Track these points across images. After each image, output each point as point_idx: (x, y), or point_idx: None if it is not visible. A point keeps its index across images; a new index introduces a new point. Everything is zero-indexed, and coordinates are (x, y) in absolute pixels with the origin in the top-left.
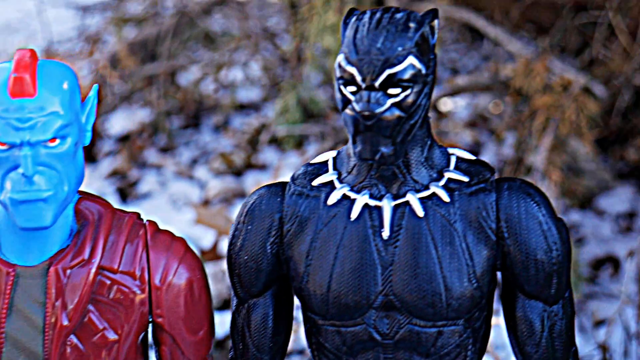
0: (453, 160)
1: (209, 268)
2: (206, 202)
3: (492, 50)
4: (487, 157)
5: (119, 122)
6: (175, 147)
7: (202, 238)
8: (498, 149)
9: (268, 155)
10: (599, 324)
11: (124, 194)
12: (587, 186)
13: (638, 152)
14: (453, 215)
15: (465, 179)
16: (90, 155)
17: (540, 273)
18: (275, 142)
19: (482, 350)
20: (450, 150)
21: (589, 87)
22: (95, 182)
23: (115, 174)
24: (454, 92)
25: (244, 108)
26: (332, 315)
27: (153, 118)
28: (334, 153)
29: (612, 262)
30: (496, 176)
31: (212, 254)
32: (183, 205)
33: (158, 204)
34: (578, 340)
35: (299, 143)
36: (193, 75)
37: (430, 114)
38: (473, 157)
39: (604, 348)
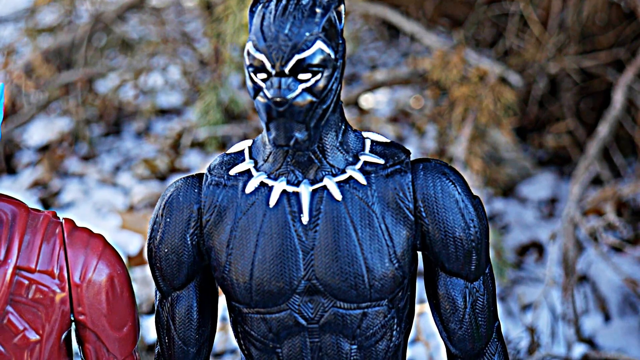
0: (368, 143)
1: (137, 273)
2: (131, 208)
3: (410, 47)
4: (410, 150)
5: (38, 132)
6: (97, 155)
7: (129, 244)
8: (420, 142)
9: (192, 158)
10: (525, 307)
11: (47, 204)
12: (509, 175)
13: (556, 139)
14: (370, 197)
15: (381, 161)
16: (10, 167)
17: (460, 250)
18: (199, 145)
19: (408, 330)
20: (365, 134)
21: (504, 77)
22: (16, 193)
23: (36, 184)
24: (373, 87)
25: (165, 113)
26: (256, 303)
27: (72, 127)
28: (249, 142)
29: (537, 248)
30: (411, 158)
31: (139, 258)
32: (108, 212)
33: (82, 213)
34: (506, 324)
35: (222, 145)
36: (112, 82)
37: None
38: (387, 140)
39: (531, 330)
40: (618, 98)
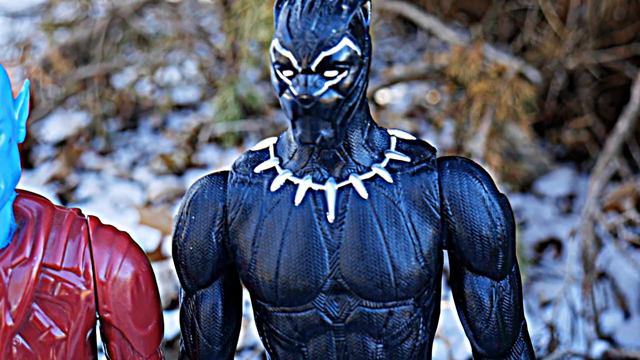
0: (393, 141)
1: (155, 268)
2: (148, 204)
3: (427, 41)
4: (435, 148)
5: (55, 128)
6: (114, 150)
7: (147, 239)
8: (437, 138)
9: (208, 154)
10: (545, 304)
11: (64, 200)
12: (527, 170)
13: (574, 135)
14: (397, 195)
15: (407, 159)
16: (28, 162)
17: (486, 249)
18: (215, 140)
19: (434, 328)
20: (391, 132)
21: (523, 73)
22: (34, 189)
23: (54, 179)
24: (390, 83)
25: (181, 108)
26: (281, 302)
27: (90, 122)
28: (274, 139)
29: (555, 244)
30: (437, 155)
31: (157, 254)
32: (125, 207)
33: (100, 208)
34: (529, 319)
35: (239, 140)
36: (128, 77)
37: (370, 106)
38: (413, 138)
39: (551, 327)
40: (637, 93)
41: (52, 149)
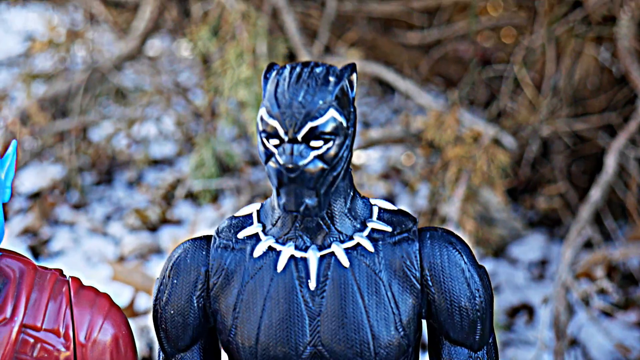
0: (375, 210)
1: None
2: (121, 259)
3: (402, 104)
4: (416, 218)
5: (30, 179)
6: (88, 204)
7: (119, 295)
8: (412, 200)
9: (183, 210)
10: None
11: (36, 252)
12: (500, 235)
13: (547, 201)
14: (378, 264)
15: (389, 228)
16: None
17: (465, 320)
18: (190, 196)
19: None
20: (373, 201)
21: (498, 139)
22: (6, 240)
23: (26, 232)
24: (367, 145)
25: (157, 163)
26: None
27: (65, 174)
28: (258, 205)
29: (527, 310)
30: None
31: (130, 310)
32: (98, 262)
33: (72, 262)
34: None
35: (215, 197)
36: (105, 130)
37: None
38: (395, 208)
39: None
40: (610, 163)
41: (26, 201)
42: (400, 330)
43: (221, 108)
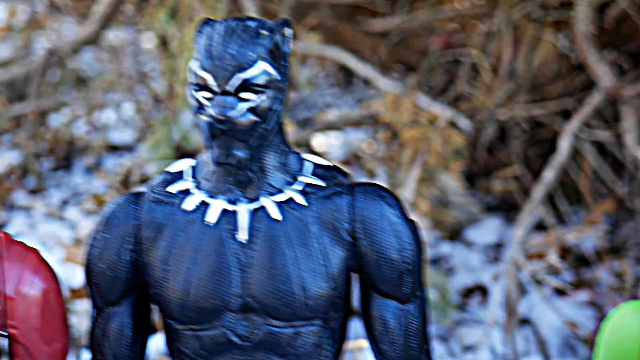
0: (309, 165)
1: (80, 305)
2: (77, 242)
3: (365, 93)
4: (349, 173)
5: None
6: (46, 189)
7: (72, 276)
8: None
9: None
10: (467, 348)
11: None
12: (457, 219)
13: (502, 184)
14: (309, 218)
15: (321, 183)
16: None
17: (394, 272)
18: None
19: (339, 350)
20: (306, 156)
21: (454, 121)
22: None
23: None
24: (325, 128)
25: (117, 149)
26: (190, 320)
27: (22, 160)
28: (192, 161)
29: (481, 291)
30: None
31: (83, 291)
32: (53, 245)
33: None
34: None
35: None
36: (64, 117)
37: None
38: (329, 163)
39: None
40: (564, 145)
41: None
42: (331, 282)
43: (177, 91)
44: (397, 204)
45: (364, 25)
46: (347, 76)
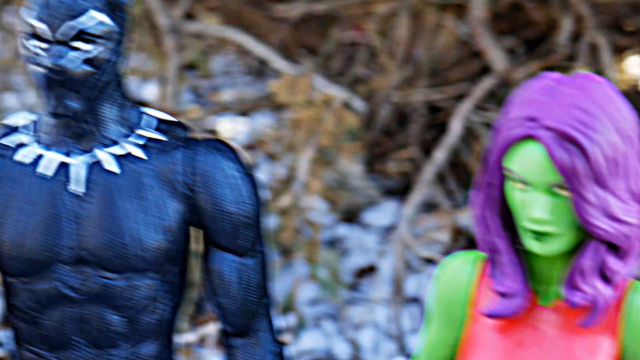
0: (150, 120)
1: None
2: None
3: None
4: (261, 176)
5: None
6: None
7: None
8: (272, 168)
9: None
10: (356, 326)
11: None
12: (356, 202)
13: (397, 166)
14: (146, 171)
15: (160, 137)
16: None
17: (232, 225)
18: None
19: (178, 305)
20: (147, 110)
21: (349, 102)
22: None
23: None
24: (222, 110)
25: None
26: (22, 272)
27: None
28: (29, 114)
29: (374, 271)
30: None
31: None
32: None
33: None
34: (337, 342)
35: None
36: None
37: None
38: (170, 118)
39: (354, 344)
40: (455, 126)
41: None
42: (167, 234)
43: None
44: (237, 158)
45: (269, 10)
46: (260, 65)
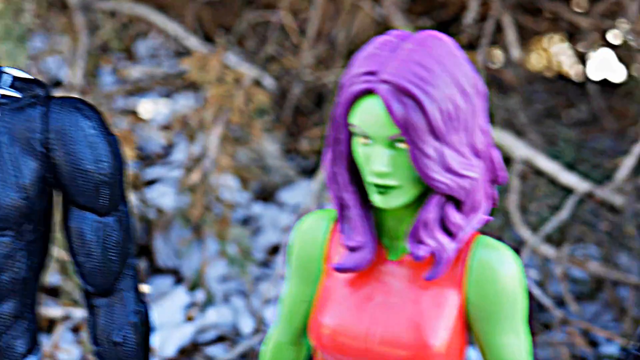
0: (5, 77)
1: None
2: None
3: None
4: (179, 155)
5: None
6: None
7: None
8: (190, 148)
9: None
10: (266, 302)
11: None
12: (272, 181)
13: (311, 144)
14: (0, 128)
15: (16, 94)
16: None
17: (89, 183)
18: None
19: (40, 265)
20: (5, 69)
21: (260, 80)
22: None
23: None
24: (136, 89)
25: None
26: None
27: None
28: None
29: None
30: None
31: None
32: None
33: None
34: (246, 315)
35: None
36: None
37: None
38: (29, 76)
39: (258, 317)
40: None
41: None
42: (22, 192)
43: None
44: (95, 116)
45: None
46: (186, 48)
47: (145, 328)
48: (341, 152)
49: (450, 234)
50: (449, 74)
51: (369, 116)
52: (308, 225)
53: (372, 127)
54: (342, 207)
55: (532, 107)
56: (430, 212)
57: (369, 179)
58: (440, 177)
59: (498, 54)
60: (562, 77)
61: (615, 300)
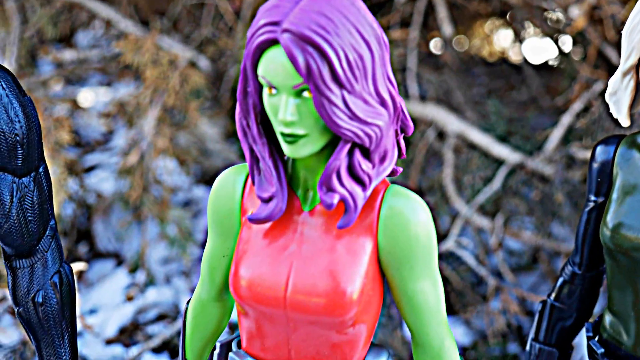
0: None
1: None
2: None
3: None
4: (119, 141)
5: None
6: None
7: None
8: (128, 133)
9: None
10: None
11: None
12: (214, 165)
13: None
14: None
15: None
16: None
17: (3, 144)
18: None
19: None
20: None
21: (195, 62)
22: None
23: None
24: (77, 79)
25: None
26: None
27: None
28: None
29: None
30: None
31: None
32: None
33: None
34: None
35: None
36: None
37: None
38: None
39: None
40: None
41: None
42: None
43: None
44: (7, 78)
45: None
46: (122, 33)
47: (67, 288)
48: (251, 104)
49: (360, 182)
50: (351, 23)
51: (273, 66)
52: (224, 180)
53: (277, 77)
54: (253, 159)
55: (473, 89)
56: (339, 160)
57: (278, 128)
58: (346, 124)
59: (437, 35)
60: (504, 61)
61: (551, 271)
